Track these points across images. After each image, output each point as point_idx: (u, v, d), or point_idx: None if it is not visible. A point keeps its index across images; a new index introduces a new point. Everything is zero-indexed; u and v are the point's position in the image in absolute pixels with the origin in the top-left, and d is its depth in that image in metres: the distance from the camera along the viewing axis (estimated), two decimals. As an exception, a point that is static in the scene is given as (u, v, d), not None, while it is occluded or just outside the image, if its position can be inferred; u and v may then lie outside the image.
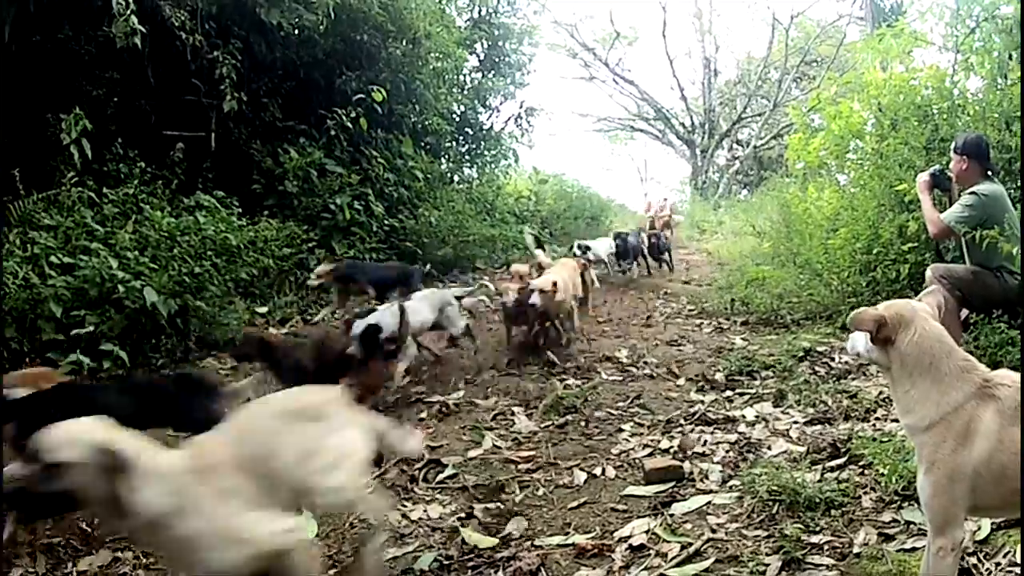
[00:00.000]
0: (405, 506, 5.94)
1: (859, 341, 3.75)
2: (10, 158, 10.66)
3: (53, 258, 9.27)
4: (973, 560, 4.16)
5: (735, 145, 39.95)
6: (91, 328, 8.80)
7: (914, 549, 4.36)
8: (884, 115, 10.70)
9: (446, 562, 5.05)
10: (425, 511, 5.82)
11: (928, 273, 7.74)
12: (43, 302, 8.68)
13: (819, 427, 6.50)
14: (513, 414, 7.68)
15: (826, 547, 4.51)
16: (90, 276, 9.08)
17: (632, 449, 6.56)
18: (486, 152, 20.39)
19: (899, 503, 4.90)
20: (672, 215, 22.82)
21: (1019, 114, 8.85)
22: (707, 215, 25.96)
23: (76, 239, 9.85)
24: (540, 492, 5.94)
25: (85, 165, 11.05)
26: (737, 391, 7.72)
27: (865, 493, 5.11)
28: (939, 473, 3.42)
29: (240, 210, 12.53)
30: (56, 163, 11.12)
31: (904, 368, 3.53)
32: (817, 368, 8.05)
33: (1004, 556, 4.15)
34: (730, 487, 5.58)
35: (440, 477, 6.40)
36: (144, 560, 5.28)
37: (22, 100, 11.52)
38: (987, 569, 4.08)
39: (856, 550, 4.45)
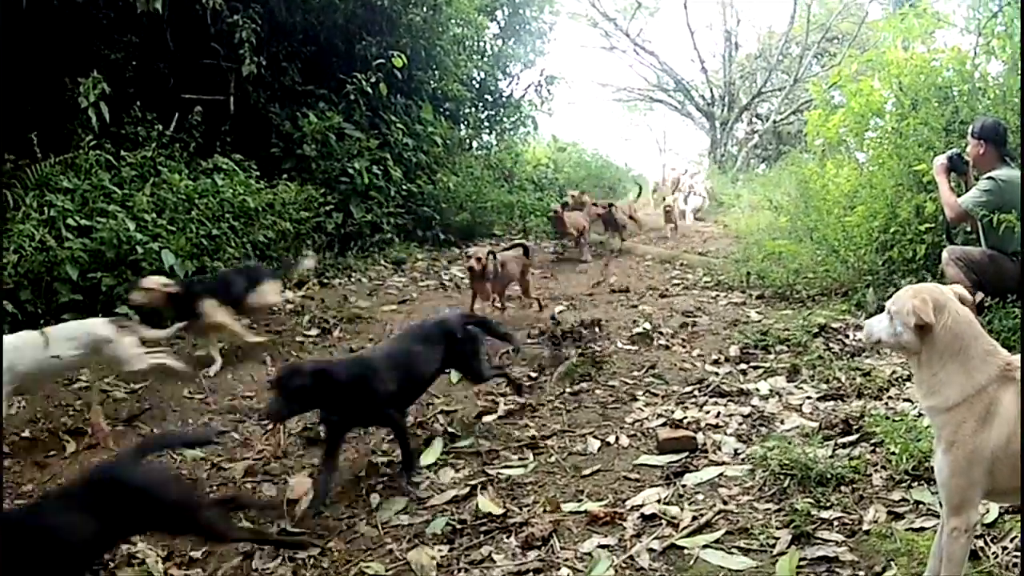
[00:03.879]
0: (419, 471, 6.00)
1: (880, 326, 3.76)
2: (27, 122, 10.71)
3: (70, 220, 9.32)
4: (980, 543, 4.19)
5: (754, 119, 39.66)
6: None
7: (922, 529, 4.40)
8: (904, 95, 10.60)
9: (459, 526, 5.11)
10: (438, 476, 5.91)
11: (944, 255, 7.74)
12: (59, 264, 8.75)
13: (832, 403, 6.52)
14: (529, 380, 7.72)
15: (836, 523, 4.55)
16: (107, 238, 9.15)
17: (646, 419, 6.58)
18: (505, 119, 20.32)
19: (909, 483, 4.93)
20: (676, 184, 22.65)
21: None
22: (725, 188, 25.86)
23: (93, 202, 9.88)
24: (553, 459, 5.99)
25: (103, 128, 11.07)
26: (751, 364, 7.71)
27: (876, 471, 5.13)
28: (958, 453, 3.43)
29: (258, 173, 12.56)
30: (74, 126, 11.12)
31: (934, 351, 3.52)
32: (831, 344, 8.00)
33: (1011, 540, 4.18)
34: (742, 459, 5.61)
35: (455, 443, 6.45)
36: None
37: (40, 64, 11.60)
38: (994, 552, 4.11)
39: (865, 527, 4.48)
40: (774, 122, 36.05)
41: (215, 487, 6.02)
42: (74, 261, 8.80)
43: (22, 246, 8.80)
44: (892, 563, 4.11)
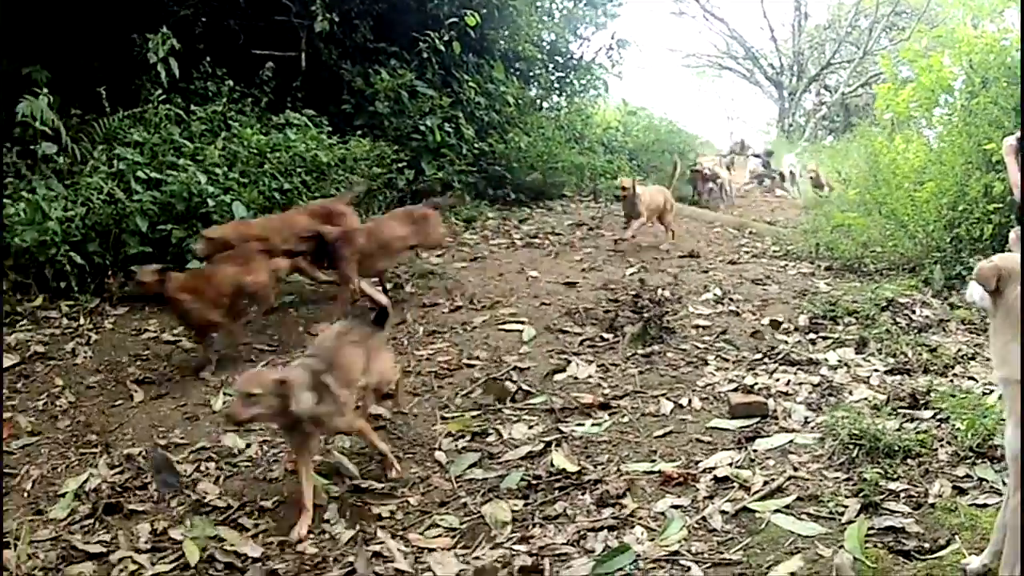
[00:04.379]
0: (493, 426, 6.12)
1: (977, 290, 3.81)
2: (96, 76, 10.79)
3: (140, 173, 9.41)
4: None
5: (823, 90, 39.51)
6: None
7: (985, 505, 4.42)
8: (975, 73, 10.60)
9: (533, 482, 5.20)
10: (511, 432, 6.00)
11: (1012, 235, 7.73)
12: (128, 216, 8.87)
13: (898, 377, 6.54)
14: (601, 341, 7.79)
15: (902, 495, 4.58)
16: (177, 191, 9.25)
17: (717, 383, 6.64)
18: (575, 81, 20.26)
19: (973, 459, 4.95)
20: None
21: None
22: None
23: (163, 155, 9.98)
24: (626, 419, 6.06)
25: (172, 83, 11.17)
26: (820, 335, 7.74)
27: (941, 446, 5.16)
28: None
29: (330, 129, 12.61)
30: (142, 82, 11.21)
31: (1007, 320, 3.54)
32: (898, 319, 8.01)
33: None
34: (812, 428, 5.66)
35: (528, 400, 6.55)
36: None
37: (108, 19, 11.67)
38: None
39: (931, 500, 4.51)
40: (842, 94, 35.85)
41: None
42: (143, 213, 8.93)
43: (90, 199, 8.95)
44: (956, 537, 4.13)
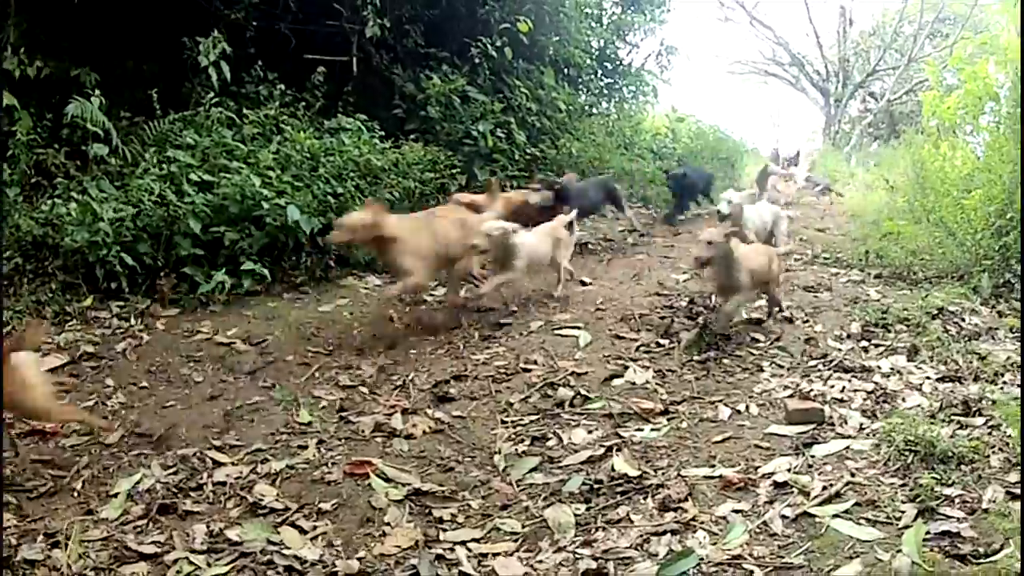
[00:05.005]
0: (552, 431, 6.18)
1: None
2: (147, 80, 10.96)
3: (192, 176, 9.50)
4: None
5: (868, 97, 39.30)
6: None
7: (1037, 510, 4.40)
8: (1020, 80, 10.66)
9: (595, 486, 5.26)
10: (570, 436, 6.06)
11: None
12: (180, 218, 8.93)
13: (950, 385, 6.54)
14: (657, 346, 7.87)
15: (957, 500, 4.58)
16: (231, 193, 9.31)
17: (773, 389, 6.70)
18: (624, 87, 20.37)
19: None
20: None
21: None
22: (839, 165, 25.63)
23: (215, 158, 10.06)
24: (684, 425, 6.11)
25: (223, 87, 11.27)
26: (872, 342, 7.75)
27: (993, 453, 5.14)
28: None
29: (382, 134, 12.67)
30: (193, 85, 11.35)
31: None
32: (948, 327, 8.02)
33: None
34: (867, 434, 5.68)
35: (587, 405, 6.62)
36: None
37: (159, 23, 11.75)
38: None
39: (985, 505, 4.51)
40: (888, 101, 35.67)
41: (343, 439, 6.25)
42: (196, 215, 8.99)
43: (141, 200, 9.00)
44: (1009, 541, 4.13)
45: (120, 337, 8.00)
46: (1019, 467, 4.98)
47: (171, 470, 5.70)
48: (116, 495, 5.39)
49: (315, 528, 5.02)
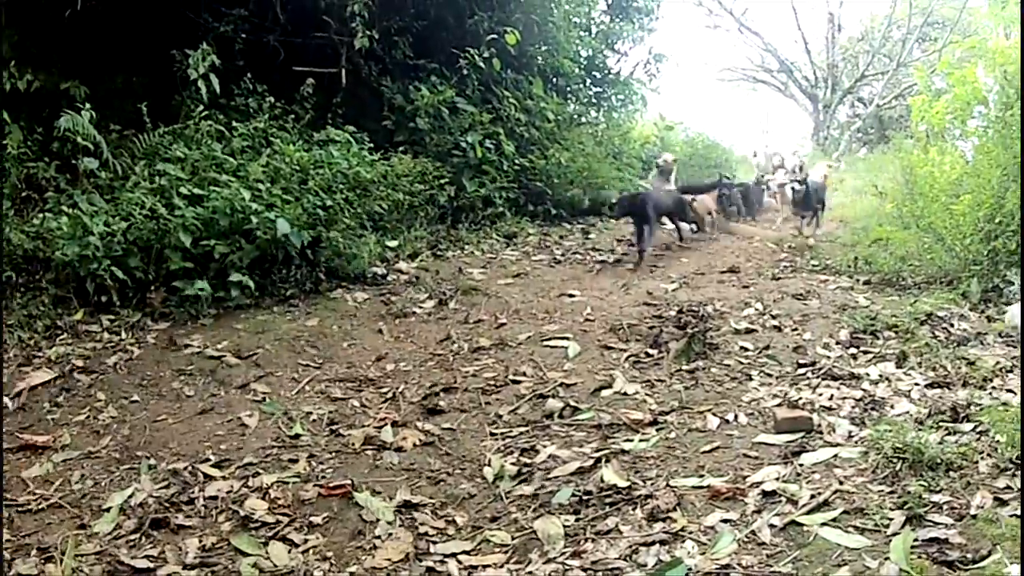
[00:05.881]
0: (543, 443, 6.19)
1: (1017, 314, 3.84)
2: (137, 93, 11.02)
3: (182, 189, 9.51)
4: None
5: (856, 103, 39.47)
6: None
7: (1026, 516, 4.43)
8: (1009, 83, 10.64)
9: (584, 497, 5.25)
10: (560, 448, 6.06)
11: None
12: (170, 232, 8.93)
13: (939, 390, 6.55)
14: (646, 357, 7.87)
15: (945, 507, 4.59)
16: (220, 207, 9.32)
17: (762, 398, 6.69)
18: (613, 96, 20.51)
19: (1013, 471, 4.94)
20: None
21: None
22: (828, 171, 25.72)
23: (204, 171, 10.09)
24: (673, 435, 6.10)
25: (213, 100, 11.32)
26: (861, 349, 7.75)
27: (982, 458, 5.14)
28: None
29: (371, 145, 12.71)
30: (183, 98, 11.41)
31: None
32: (937, 333, 8.03)
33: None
34: (856, 442, 5.68)
35: (576, 416, 6.63)
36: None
37: (149, 36, 11.86)
38: None
39: (973, 512, 4.51)
40: (877, 106, 35.87)
41: (334, 452, 6.24)
42: (186, 228, 9.01)
43: (131, 213, 9.01)
44: (998, 547, 4.12)
45: (111, 351, 8.02)
46: (1008, 472, 4.99)
47: (163, 484, 5.71)
48: (109, 509, 5.40)
49: (306, 541, 5.04)
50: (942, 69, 12.86)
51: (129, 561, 4.79)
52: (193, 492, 5.62)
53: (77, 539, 5.01)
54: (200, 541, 5.01)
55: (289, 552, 4.93)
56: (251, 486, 5.70)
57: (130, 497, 5.53)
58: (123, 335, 8.33)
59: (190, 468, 5.94)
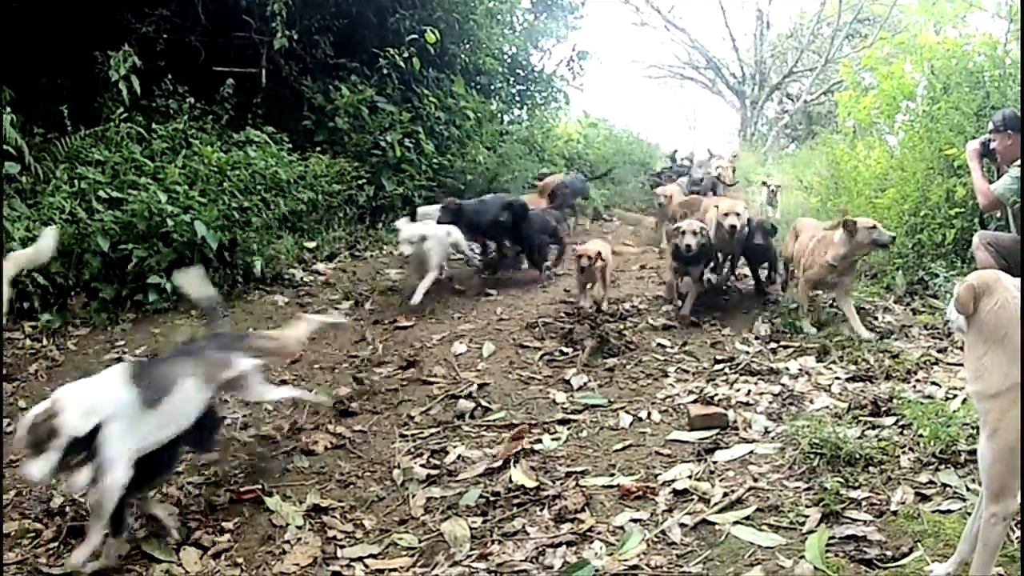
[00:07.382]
0: (453, 444, 6.12)
1: (950, 308, 3.78)
2: (58, 95, 10.83)
3: (101, 193, 9.41)
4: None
5: (785, 99, 39.75)
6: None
7: (949, 511, 4.43)
8: (936, 79, 10.68)
9: (492, 499, 5.21)
10: (471, 449, 6.02)
11: (975, 240, 7.79)
12: (90, 236, 8.85)
13: (860, 384, 6.53)
14: (561, 355, 7.79)
15: (864, 503, 4.58)
16: (138, 210, 9.20)
17: (677, 395, 6.65)
18: (536, 94, 20.33)
19: (936, 465, 4.94)
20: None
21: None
22: (755, 167, 25.79)
23: (124, 174, 9.96)
24: (585, 433, 6.07)
25: (133, 101, 11.13)
26: (781, 343, 7.74)
27: (904, 453, 5.15)
28: (1001, 441, 3.43)
29: (290, 146, 12.61)
30: (104, 100, 11.22)
31: (980, 335, 3.54)
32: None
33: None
34: (772, 438, 5.66)
35: (487, 416, 6.57)
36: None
37: (70, 37, 11.71)
38: (1017, 536, 4.06)
39: (893, 508, 4.50)
40: (805, 102, 36.06)
41: (247, 456, 6.15)
42: (105, 233, 8.91)
43: (52, 218, 8.87)
44: (919, 544, 4.13)
45: (32, 358, 7.92)
46: (931, 467, 4.98)
47: (80, 492, 5.45)
48: (30, 516, 5.35)
49: (215, 545, 5.00)
50: (867, 64, 12.87)
51: (47, 570, 4.78)
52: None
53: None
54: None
55: (200, 558, 4.89)
56: (163, 492, 5.58)
57: (48, 503, 5.46)
58: (44, 341, 8.22)
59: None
